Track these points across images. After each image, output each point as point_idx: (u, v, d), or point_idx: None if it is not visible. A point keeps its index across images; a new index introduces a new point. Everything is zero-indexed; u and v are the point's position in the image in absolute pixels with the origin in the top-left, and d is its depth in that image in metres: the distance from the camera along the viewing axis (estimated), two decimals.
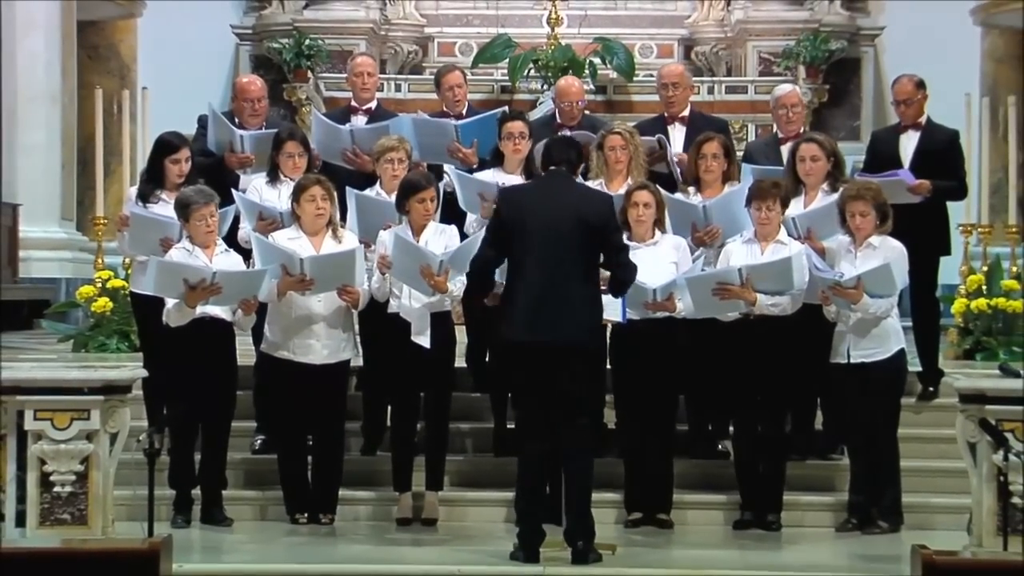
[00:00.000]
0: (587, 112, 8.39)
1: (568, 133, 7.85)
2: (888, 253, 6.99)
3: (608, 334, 7.15)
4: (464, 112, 8.09)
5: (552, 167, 6.58)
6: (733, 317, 7.04)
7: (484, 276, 6.67)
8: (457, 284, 7.05)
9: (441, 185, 7.37)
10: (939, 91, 8.19)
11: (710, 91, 12.14)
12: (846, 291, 6.88)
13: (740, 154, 7.97)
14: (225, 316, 7.03)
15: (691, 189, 7.51)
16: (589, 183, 7.20)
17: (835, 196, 7.21)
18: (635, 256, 6.97)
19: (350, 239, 7.17)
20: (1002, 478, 6.20)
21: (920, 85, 7.92)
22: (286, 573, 6.30)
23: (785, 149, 7.73)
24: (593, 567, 6.27)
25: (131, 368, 6.96)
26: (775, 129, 8.07)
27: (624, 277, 6.56)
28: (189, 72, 12.28)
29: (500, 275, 7.10)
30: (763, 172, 7.44)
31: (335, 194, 7.18)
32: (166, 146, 7.39)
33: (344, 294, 7.04)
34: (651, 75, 9.84)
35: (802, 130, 7.93)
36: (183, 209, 7.04)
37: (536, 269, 6.36)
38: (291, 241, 7.07)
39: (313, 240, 7.10)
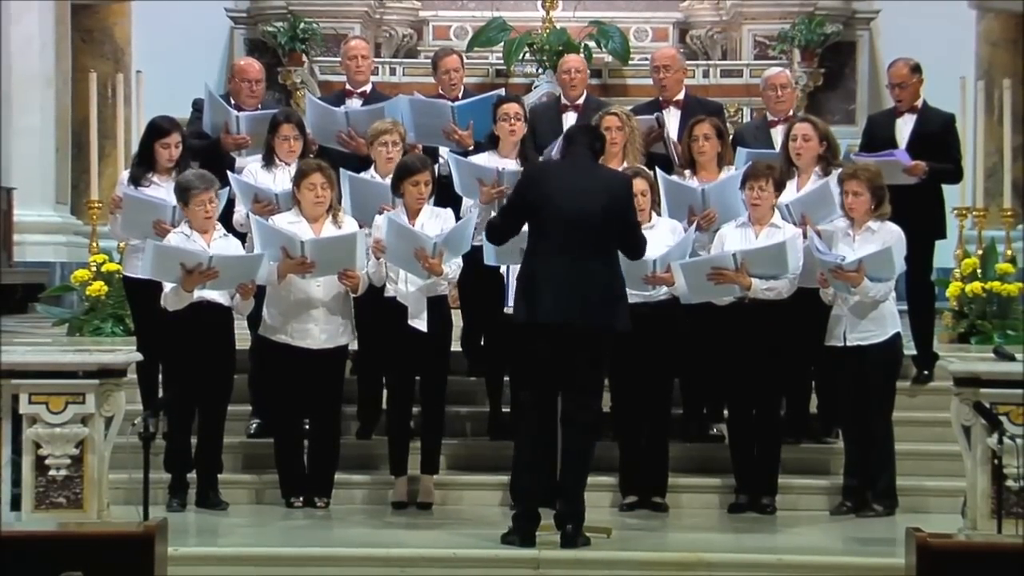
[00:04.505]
0: (591, 95, 8.36)
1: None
2: (887, 237, 7.00)
3: None
4: (460, 96, 8.08)
5: (574, 148, 6.57)
6: (728, 301, 7.05)
7: (499, 240, 6.69)
8: (452, 267, 7.06)
9: (435, 168, 7.36)
10: (934, 75, 8.19)
11: (705, 75, 12.11)
12: (847, 274, 6.89)
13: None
14: (223, 301, 7.04)
15: (687, 172, 7.51)
16: None
17: (826, 180, 7.22)
18: None
19: (350, 224, 7.16)
20: (996, 461, 6.21)
21: (915, 69, 7.93)
22: (282, 556, 6.29)
23: (775, 131, 7.76)
24: (583, 551, 6.28)
25: (126, 352, 6.96)
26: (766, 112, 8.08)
27: (638, 257, 6.66)
28: (183, 56, 12.23)
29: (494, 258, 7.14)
30: (756, 156, 7.44)
31: (335, 179, 7.18)
32: (156, 130, 7.38)
33: (345, 278, 7.04)
34: (646, 59, 9.79)
35: (791, 112, 7.93)
36: (183, 193, 7.04)
37: (563, 252, 6.34)
38: (291, 225, 7.08)
39: (313, 225, 7.10)
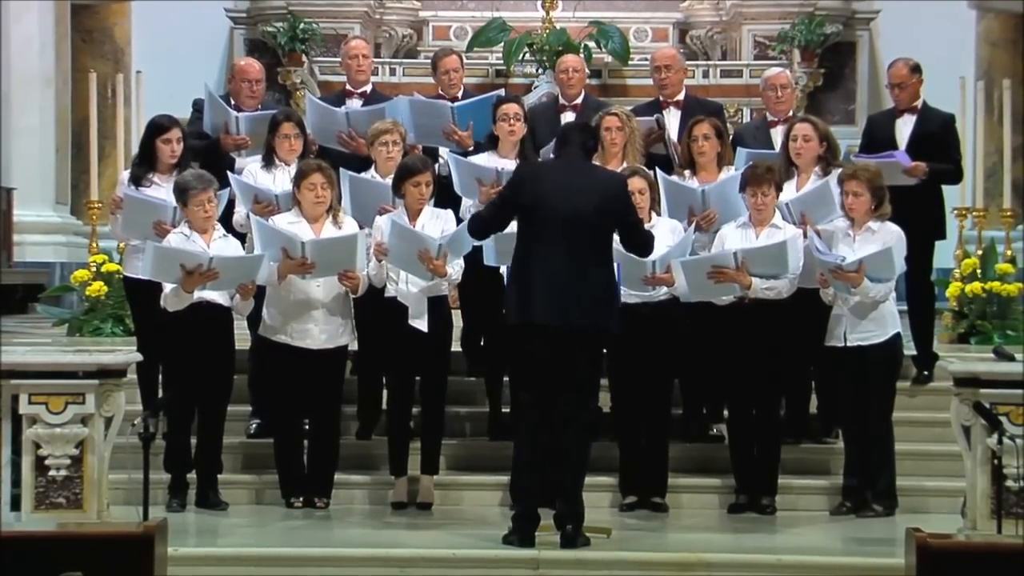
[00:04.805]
0: (590, 95, 8.36)
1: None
2: (887, 238, 6.99)
3: None
4: (460, 96, 8.08)
5: (569, 148, 6.54)
6: (728, 300, 7.05)
7: (482, 234, 6.69)
8: (455, 268, 7.06)
9: (435, 168, 7.36)
10: (934, 75, 8.18)
11: (705, 75, 12.11)
12: (847, 274, 6.88)
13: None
14: (223, 301, 7.03)
15: (687, 173, 7.51)
16: None
17: (826, 179, 7.22)
18: None
19: (350, 224, 7.16)
20: (996, 461, 6.20)
21: (915, 69, 7.92)
22: (282, 557, 6.28)
23: (775, 132, 7.76)
24: (583, 550, 6.28)
25: (126, 352, 6.96)
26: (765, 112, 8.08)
27: (647, 254, 6.66)
28: (183, 56, 12.24)
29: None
30: (757, 156, 7.43)
31: (335, 180, 7.17)
32: (157, 127, 7.38)
33: (345, 279, 7.04)
34: (646, 59, 9.79)
35: (791, 112, 7.93)
36: (181, 194, 7.05)
37: (558, 252, 6.32)
38: (291, 225, 7.07)
39: (313, 226, 7.09)
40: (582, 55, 11.65)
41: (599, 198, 6.39)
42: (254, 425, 7.59)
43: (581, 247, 6.34)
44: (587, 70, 8.59)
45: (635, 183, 6.98)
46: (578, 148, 6.54)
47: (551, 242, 6.34)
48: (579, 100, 8.09)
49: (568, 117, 7.96)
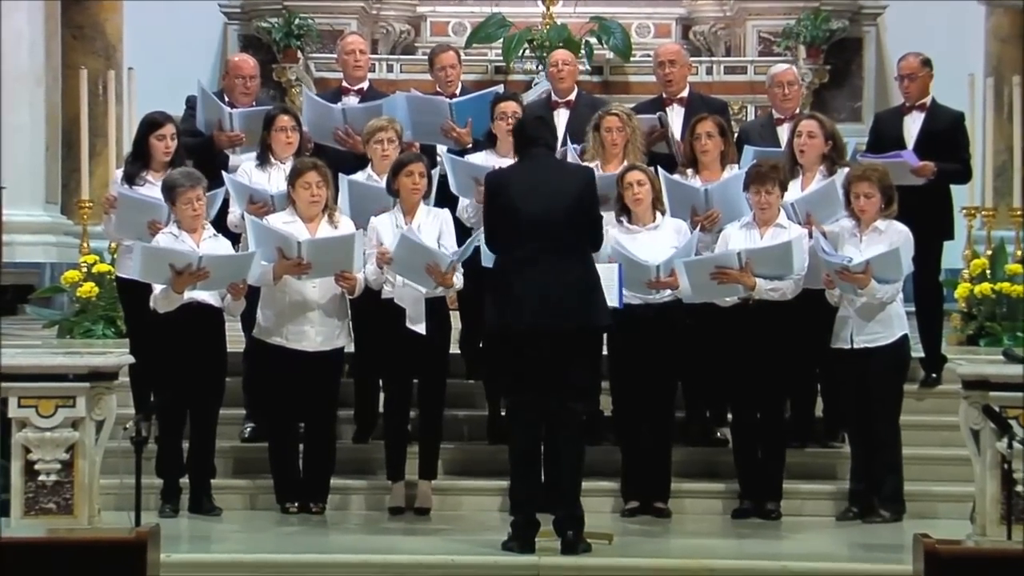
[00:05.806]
0: (583, 91, 8.27)
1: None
2: (894, 237, 6.92)
3: None
4: (457, 93, 8.02)
5: (531, 148, 6.46)
6: (731, 302, 6.96)
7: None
8: (457, 277, 6.97)
9: (435, 171, 7.28)
10: (943, 71, 8.15)
11: (708, 71, 12.02)
12: (854, 276, 6.79)
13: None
14: (214, 302, 6.94)
15: (689, 171, 7.42)
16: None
17: (832, 179, 7.13)
18: (636, 240, 6.92)
19: (347, 224, 7.07)
20: (1006, 466, 6.15)
21: (926, 63, 7.89)
22: (276, 563, 6.23)
23: (781, 129, 7.72)
24: (584, 557, 6.21)
25: (117, 354, 6.95)
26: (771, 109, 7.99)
27: (597, 250, 6.58)
28: (176, 52, 12.16)
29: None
30: (763, 154, 7.35)
31: (331, 178, 7.08)
32: (150, 123, 7.32)
33: (341, 280, 6.94)
34: (648, 55, 9.73)
35: (798, 110, 7.86)
36: (169, 192, 6.97)
37: (537, 255, 6.28)
38: (286, 225, 7.00)
39: (309, 225, 7.01)
40: (583, 51, 11.58)
41: (571, 194, 6.35)
42: (248, 429, 7.53)
43: (559, 247, 6.30)
44: (587, 65, 8.54)
45: (633, 175, 6.95)
46: (542, 147, 6.46)
47: (528, 246, 6.30)
48: (572, 96, 8.00)
49: (561, 114, 7.90)
